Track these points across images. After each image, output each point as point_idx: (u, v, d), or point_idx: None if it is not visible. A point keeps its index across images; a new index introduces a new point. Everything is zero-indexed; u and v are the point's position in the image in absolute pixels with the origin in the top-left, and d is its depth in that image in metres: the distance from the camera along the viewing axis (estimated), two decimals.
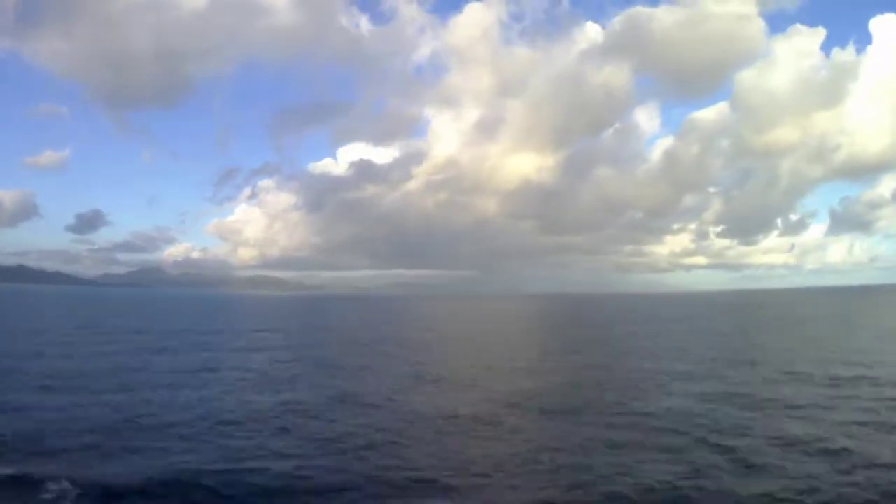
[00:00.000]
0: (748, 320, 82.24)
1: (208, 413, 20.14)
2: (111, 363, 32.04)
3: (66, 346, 40.58)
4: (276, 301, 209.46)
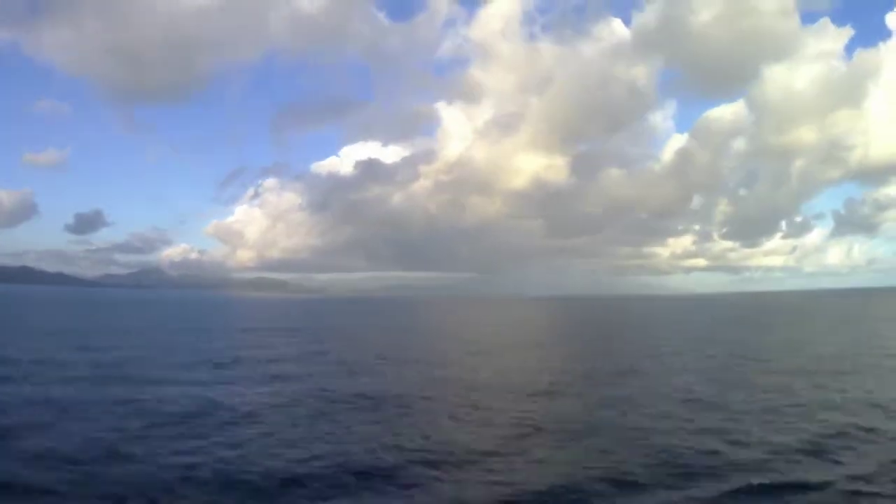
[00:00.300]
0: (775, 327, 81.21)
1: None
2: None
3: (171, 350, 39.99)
4: (298, 303, 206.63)
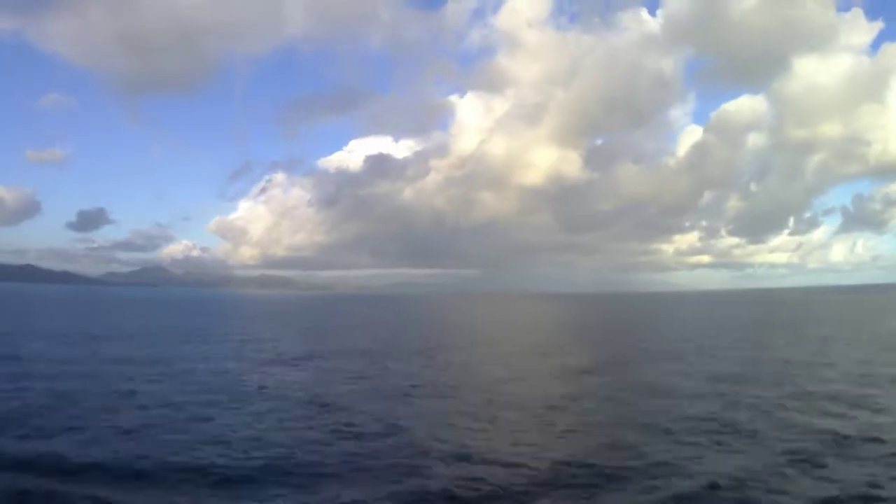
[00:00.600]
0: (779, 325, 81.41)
1: None
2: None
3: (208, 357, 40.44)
4: (314, 300, 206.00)
